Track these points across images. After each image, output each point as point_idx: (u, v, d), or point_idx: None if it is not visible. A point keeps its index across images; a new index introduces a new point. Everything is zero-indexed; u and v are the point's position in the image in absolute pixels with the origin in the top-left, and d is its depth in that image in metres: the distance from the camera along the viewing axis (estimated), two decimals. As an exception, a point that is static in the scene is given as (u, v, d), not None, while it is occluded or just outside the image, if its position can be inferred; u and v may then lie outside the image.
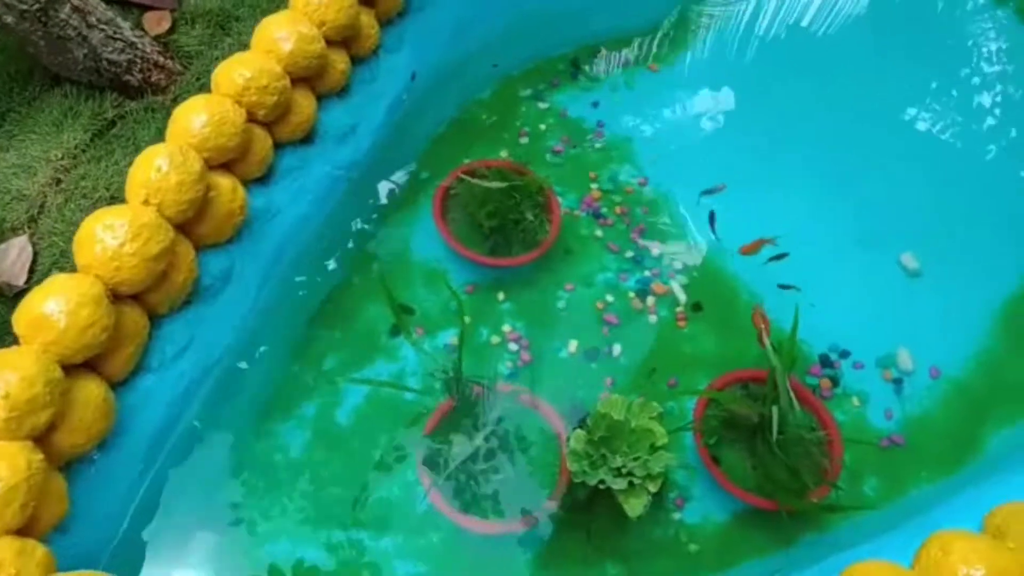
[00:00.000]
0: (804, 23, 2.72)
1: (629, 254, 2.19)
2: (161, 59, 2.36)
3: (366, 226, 2.08)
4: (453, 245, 2.03)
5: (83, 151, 2.16)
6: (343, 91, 1.86)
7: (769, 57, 2.61)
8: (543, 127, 2.40)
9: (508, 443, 1.75)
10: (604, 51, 2.57)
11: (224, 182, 1.54)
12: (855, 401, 2.00)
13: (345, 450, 1.81)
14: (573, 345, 2.02)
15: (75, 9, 2.23)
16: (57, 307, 1.28)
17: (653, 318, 2.09)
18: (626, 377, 1.99)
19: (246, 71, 1.55)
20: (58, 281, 1.32)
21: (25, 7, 2.13)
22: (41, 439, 1.24)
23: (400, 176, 2.19)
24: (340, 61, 1.76)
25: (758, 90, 2.54)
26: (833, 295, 2.16)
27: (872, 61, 2.64)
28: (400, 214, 2.15)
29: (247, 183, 1.62)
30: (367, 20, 1.84)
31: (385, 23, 1.95)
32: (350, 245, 2.04)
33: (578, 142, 2.38)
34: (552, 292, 2.11)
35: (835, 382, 2.02)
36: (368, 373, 1.92)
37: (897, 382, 2.03)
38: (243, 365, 1.76)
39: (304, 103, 1.68)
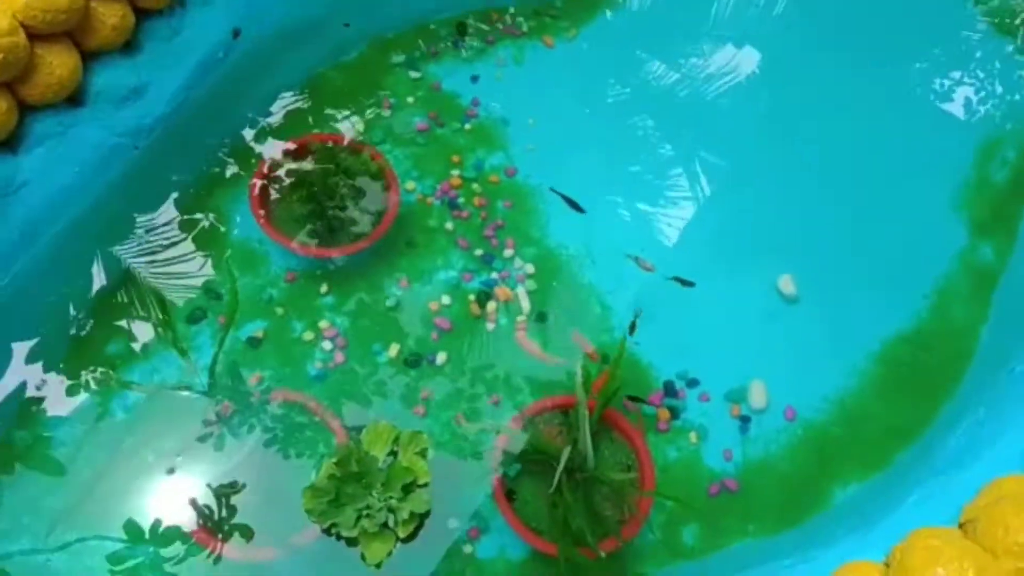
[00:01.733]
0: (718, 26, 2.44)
1: (479, 252, 1.98)
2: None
3: (169, 199, 1.88)
4: (267, 231, 1.84)
5: None
6: (128, 48, 1.64)
7: (673, 47, 2.34)
8: (411, 99, 2.17)
9: (277, 460, 1.59)
10: (496, 17, 2.31)
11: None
12: (693, 437, 1.81)
13: (118, 450, 1.65)
14: (394, 349, 1.84)
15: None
16: None
17: (491, 326, 1.90)
18: (446, 391, 1.81)
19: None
20: None
21: None
22: None
23: (226, 145, 1.98)
24: (111, 15, 1.53)
25: (655, 81, 2.29)
26: (697, 315, 1.96)
27: (793, 66, 2.37)
28: (221, 188, 1.95)
29: (-27, 152, 1.44)
30: (159, -31, 1.61)
31: (196, -26, 1.72)
32: (144, 220, 1.84)
33: (447, 120, 2.15)
34: (383, 288, 1.91)
35: (675, 414, 1.84)
36: (157, 364, 1.75)
37: (744, 420, 1.84)
38: None
39: (57, 61, 1.47)
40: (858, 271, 2.06)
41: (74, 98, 1.57)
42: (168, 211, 1.87)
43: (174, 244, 1.86)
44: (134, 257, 1.80)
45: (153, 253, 1.81)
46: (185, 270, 1.83)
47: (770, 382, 1.88)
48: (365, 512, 1.37)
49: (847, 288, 2.03)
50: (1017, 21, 2.53)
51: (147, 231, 1.86)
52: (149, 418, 1.67)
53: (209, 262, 1.86)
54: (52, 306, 1.67)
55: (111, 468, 1.62)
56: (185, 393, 1.66)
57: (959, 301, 2.04)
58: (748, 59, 2.35)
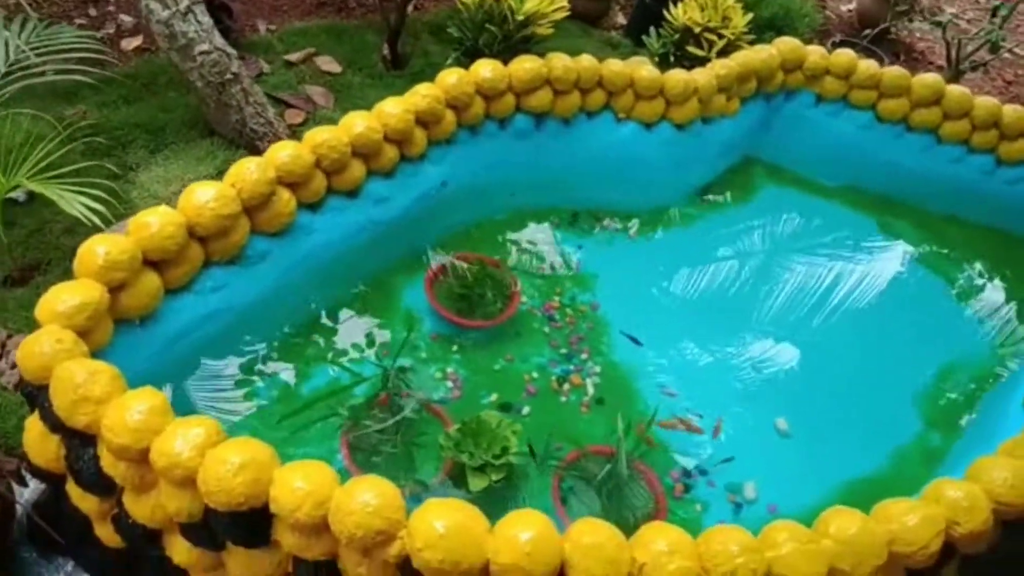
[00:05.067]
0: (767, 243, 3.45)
1: (563, 351, 2.80)
2: (286, 139, 3.31)
3: (378, 267, 2.81)
4: (431, 300, 2.73)
5: (208, 179, 3.04)
6: (389, 174, 2.68)
7: (716, 253, 3.32)
8: (535, 249, 3.14)
9: (415, 433, 2.32)
10: (600, 214, 3.34)
11: (284, 194, 2.33)
12: (698, 507, 2.45)
13: (300, 403, 2.40)
14: (495, 396, 2.60)
15: (242, 89, 3.26)
16: (154, 220, 2.05)
17: (564, 399, 2.66)
18: (527, 431, 2.51)
19: (324, 134, 2.40)
20: (161, 209, 2.10)
21: (212, 79, 3.16)
22: (113, 292, 1.96)
23: (418, 244, 2.92)
24: (391, 151, 2.59)
25: (705, 273, 3.22)
26: (714, 439, 2.66)
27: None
28: (406, 269, 2.88)
29: (302, 205, 2.42)
30: (419, 135, 2.69)
31: (434, 143, 2.79)
32: (363, 273, 2.77)
33: (556, 265, 3.09)
34: (494, 357, 2.72)
35: (687, 488, 2.49)
36: (340, 365, 2.56)
37: (738, 505, 2.48)
38: (260, 314, 2.45)
39: (356, 169, 2.51)
40: (837, 430, 2.76)
41: (352, 193, 2.59)
42: (374, 272, 2.80)
43: (370, 291, 2.77)
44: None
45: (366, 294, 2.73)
46: (379, 314, 2.74)
47: (761, 484, 2.53)
48: (475, 456, 2.07)
49: (827, 438, 2.72)
50: (972, 298, 3.45)
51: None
52: (329, 393, 2.43)
53: (386, 315, 2.74)
54: (306, 305, 2.58)
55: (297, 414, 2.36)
56: (359, 384, 2.43)
57: (913, 466, 2.70)
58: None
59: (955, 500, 1.78)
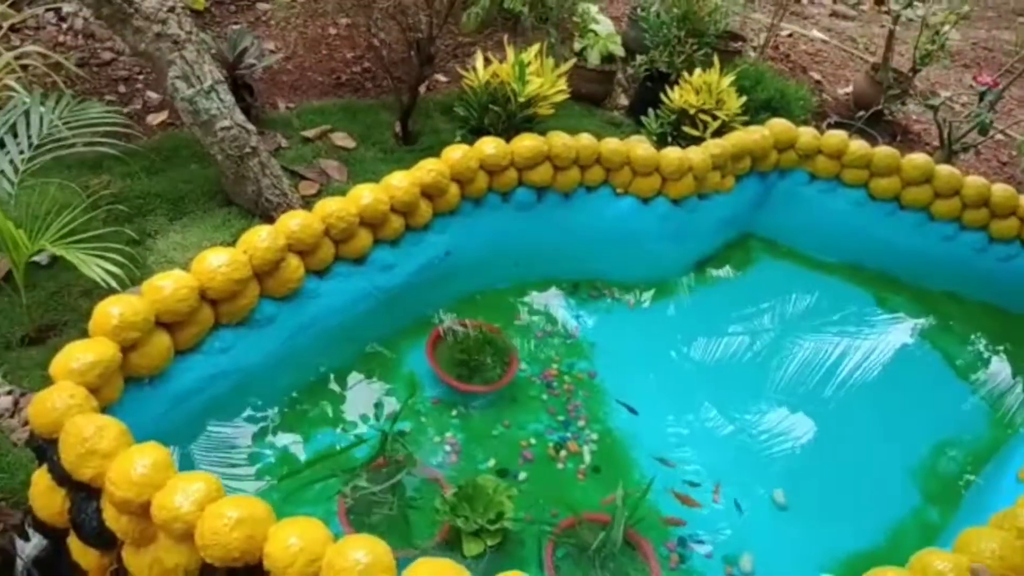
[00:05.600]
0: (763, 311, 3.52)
1: (561, 418, 2.84)
2: (300, 210, 3.45)
3: (383, 332, 2.89)
4: (432, 365, 2.79)
5: (224, 246, 3.17)
6: (395, 242, 2.80)
7: (714, 325, 3.38)
8: (536, 318, 3.22)
9: (412, 496, 2.35)
10: (599, 284, 3.43)
11: (293, 261, 2.45)
12: (694, 579, 2.44)
13: (300, 465, 2.45)
14: (492, 462, 2.64)
15: (260, 163, 3.42)
16: (168, 284, 2.15)
17: (560, 466, 2.69)
18: (523, 497, 2.54)
19: (333, 205, 2.52)
20: (175, 272, 2.21)
21: (231, 153, 3.33)
22: (125, 351, 2.05)
23: (422, 311, 3.01)
24: (396, 222, 2.72)
25: (702, 344, 3.28)
26: (714, 503, 2.67)
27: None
28: (410, 334, 2.95)
29: (310, 270, 2.53)
30: (424, 207, 2.82)
31: (438, 214, 2.92)
32: (368, 337, 2.85)
33: (556, 334, 3.16)
34: (492, 423, 2.77)
35: (683, 559, 2.48)
36: (341, 428, 2.61)
37: (735, 578, 2.47)
38: (266, 375, 2.52)
39: (364, 239, 2.63)
40: (835, 503, 2.76)
41: (359, 260, 2.70)
42: (379, 336, 2.88)
43: (372, 356, 2.84)
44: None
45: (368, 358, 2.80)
46: (380, 379, 2.79)
47: (757, 557, 2.53)
48: (471, 521, 2.10)
49: (825, 511, 2.72)
50: (971, 373, 3.47)
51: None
52: (330, 454, 2.48)
53: (388, 379, 2.81)
54: (310, 368, 2.66)
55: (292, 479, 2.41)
56: (360, 446, 2.49)
57: (911, 540, 2.68)
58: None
59: (941, 571, 1.79)
